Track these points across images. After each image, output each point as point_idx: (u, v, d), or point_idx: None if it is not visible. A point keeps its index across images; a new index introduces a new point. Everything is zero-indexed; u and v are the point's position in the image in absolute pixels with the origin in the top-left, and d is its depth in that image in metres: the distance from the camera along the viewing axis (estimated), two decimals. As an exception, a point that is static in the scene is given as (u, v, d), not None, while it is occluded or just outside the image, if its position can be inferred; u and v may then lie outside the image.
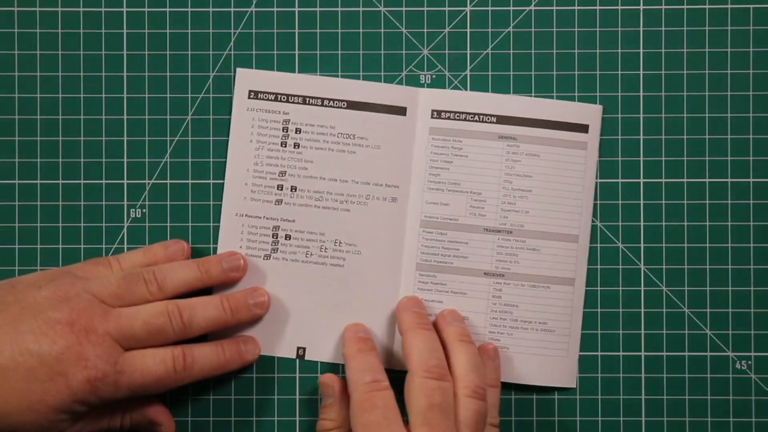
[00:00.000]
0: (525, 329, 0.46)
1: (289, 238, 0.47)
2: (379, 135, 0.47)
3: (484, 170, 0.47)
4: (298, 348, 0.47)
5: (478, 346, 0.46)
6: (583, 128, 0.47)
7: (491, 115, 0.47)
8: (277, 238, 0.47)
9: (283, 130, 0.47)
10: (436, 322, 0.46)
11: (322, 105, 0.47)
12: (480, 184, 0.47)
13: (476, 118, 0.47)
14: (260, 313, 0.46)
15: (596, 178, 0.47)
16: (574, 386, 0.47)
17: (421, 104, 0.47)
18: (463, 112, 0.47)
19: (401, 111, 0.47)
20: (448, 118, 0.47)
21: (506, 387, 0.47)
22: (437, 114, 0.47)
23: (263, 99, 0.47)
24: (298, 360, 0.47)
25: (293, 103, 0.47)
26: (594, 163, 0.47)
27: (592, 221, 0.47)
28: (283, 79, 0.47)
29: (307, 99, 0.47)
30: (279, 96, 0.47)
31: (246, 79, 0.47)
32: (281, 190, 0.47)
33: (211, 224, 0.47)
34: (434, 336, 0.43)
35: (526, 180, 0.47)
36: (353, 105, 0.47)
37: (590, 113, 0.47)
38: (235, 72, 0.47)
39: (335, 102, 0.47)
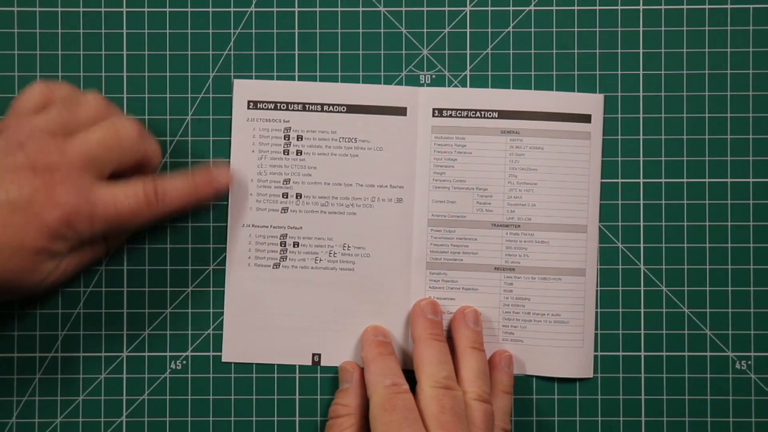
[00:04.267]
0: (538, 322, 0.47)
1: (298, 246, 0.47)
2: (381, 137, 0.47)
3: (489, 166, 0.47)
4: (314, 354, 0.47)
5: (493, 352, 0.46)
6: (586, 118, 0.47)
7: (493, 111, 0.47)
8: (285, 246, 0.47)
9: (284, 138, 0.47)
10: (452, 321, 0.46)
11: (322, 111, 0.47)
12: (485, 179, 0.47)
13: (478, 114, 0.47)
14: (223, 185, 0.45)
15: (602, 168, 0.47)
16: (591, 376, 0.47)
17: (422, 103, 0.47)
18: (464, 109, 0.47)
19: (402, 111, 0.47)
20: (450, 115, 0.47)
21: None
22: (438, 112, 0.47)
23: (263, 108, 0.47)
24: (315, 367, 0.47)
25: (293, 110, 0.47)
26: (598, 153, 0.47)
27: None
28: (282, 87, 0.47)
29: (307, 105, 0.47)
30: (278, 104, 0.47)
31: (244, 89, 0.47)
32: (286, 198, 0.47)
33: (211, 224, 0.47)
34: (445, 348, 0.44)
35: (532, 173, 0.47)
36: (353, 108, 0.47)
37: (592, 103, 0.47)
38: (234, 73, 0.47)
39: (335, 107, 0.47)
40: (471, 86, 0.47)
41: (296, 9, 0.48)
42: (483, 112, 0.47)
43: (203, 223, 0.47)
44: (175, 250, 0.47)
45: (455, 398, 0.41)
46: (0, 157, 0.39)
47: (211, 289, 0.47)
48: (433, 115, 0.47)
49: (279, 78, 0.47)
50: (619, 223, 0.47)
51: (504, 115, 0.47)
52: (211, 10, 0.48)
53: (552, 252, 0.47)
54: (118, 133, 0.41)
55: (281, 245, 0.47)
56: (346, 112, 0.47)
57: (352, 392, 0.45)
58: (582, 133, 0.47)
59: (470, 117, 0.47)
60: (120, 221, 0.41)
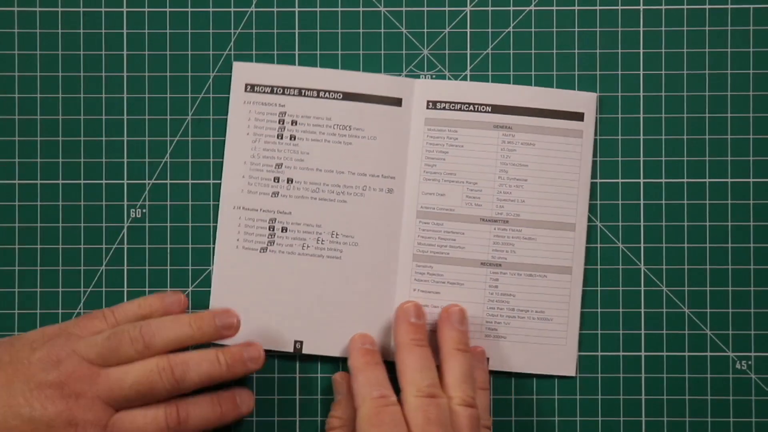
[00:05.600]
0: (522, 318, 0.47)
1: (286, 231, 0.47)
2: (375, 126, 0.47)
3: (480, 160, 0.47)
4: (296, 342, 0.47)
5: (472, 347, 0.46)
6: (579, 116, 0.47)
7: (486, 105, 0.47)
8: (273, 230, 0.47)
9: (279, 123, 0.47)
10: (438, 320, 0.46)
11: (318, 97, 0.47)
12: (476, 173, 0.47)
13: (471, 108, 0.47)
14: (255, 368, 0.44)
15: (592, 168, 0.47)
16: (574, 374, 0.47)
17: (417, 95, 0.47)
18: (458, 102, 0.47)
19: (397, 102, 0.47)
20: (444, 108, 0.47)
21: (506, 386, 0.47)
22: (433, 104, 0.47)
23: (260, 92, 0.47)
24: (296, 354, 0.47)
25: (289, 95, 0.47)
26: (590, 151, 0.47)
27: (593, 221, 0.47)
28: (279, 71, 0.47)
29: (303, 91, 0.47)
30: (275, 88, 0.47)
31: (243, 72, 0.47)
32: (278, 182, 0.47)
33: (211, 224, 0.47)
34: (427, 353, 0.44)
35: (522, 169, 0.47)
36: (349, 96, 0.47)
37: (585, 101, 0.47)
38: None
39: (331, 93, 0.47)
40: (471, 86, 0.47)
41: (296, 9, 0.48)
42: (477, 106, 0.47)
43: (203, 223, 0.47)
44: (175, 250, 0.47)
45: (439, 407, 0.41)
46: (35, 370, 0.40)
47: (212, 289, 0.47)
48: (427, 107, 0.47)
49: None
50: (619, 223, 0.47)
51: (497, 109, 0.47)
52: (211, 10, 0.48)
53: (539, 249, 0.47)
54: (152, 384, 0.41)
55: (270, 229, 0.47)
56: (342, 99, 0.47)
57: (344, 404, 0.45)
58: (574, 131, 0.47)
59: (464, 110, 0.47)
60: None
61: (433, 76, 0.47)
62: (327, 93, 0.47)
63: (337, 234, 0.47)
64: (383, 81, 0.47)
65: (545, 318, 0.47)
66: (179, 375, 0.41)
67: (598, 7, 0.47)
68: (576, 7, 0.47)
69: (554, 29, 0.47)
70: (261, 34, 0.48)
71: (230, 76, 0.47)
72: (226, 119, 0.47)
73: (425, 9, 0.47)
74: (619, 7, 0.47)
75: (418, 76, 0.47)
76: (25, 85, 0.47)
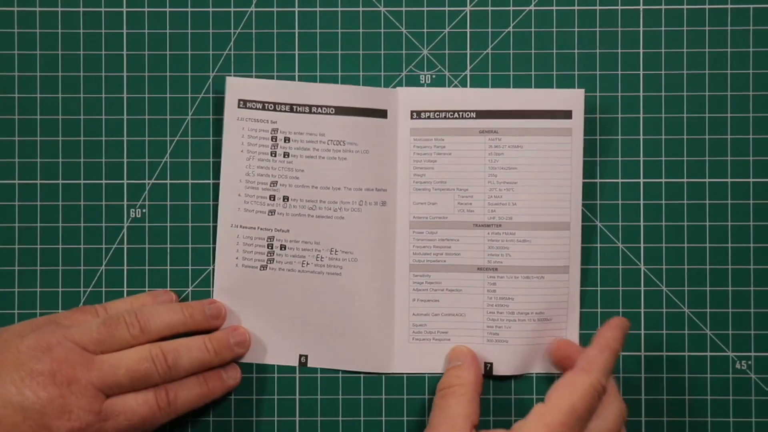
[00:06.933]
0: (522, 321, 0.46)
1: (284, 249, 0.47)
2: (366, 139, 0.47)
3: (469, 166, 0.47)
4: (300, 356, 0.47)
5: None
6: (567, 114, 0.47)
7: (470, 111, 0.47)
8: (272, 248, 0.47)
9: (272, 140, 0.47)
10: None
11: (309, 112, 0.47)
12: (465, 180, 0.47)
13: (456, 115, 0.47)
14: (242, 352, 0.46)
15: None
16: None
17: (401, 105, 0.47)
18: (442, 111, 0.47)
19: (382, 114, 0.47)
20: (428, 117, 0.47)
21: (506, 387, 0.47)
22: (417, 114, 0.47)
23: (252, 108, 0.47)
24: (301, 367, 0.47)
25: (281, 111, 0.47)
26: (580, 148, 0.47)
27: (593, 221, 0.47)
28: (270, 86, 0.47)
29: (295, 107, 0.47)
30: (266, 104, 0.47)
31: (236, 87, 0.47)
32: (273, 200, 0.47)
33: (211, 224, 0.47)
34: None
35: (511, 172, 0.47)
36: (341, 110, 0.46)
37: (572, 98, 0.47)
38: (234, 73, 0.47)
39: (323, 108, 0.46)
40: (471, 86, 0.47)
41: (296, 9, 0.48)
42: (461, 113, 0.47)
43: (203, 223, 0.47)
44: (175, 250, 0.47)
45: None
46: (25, 358, 0.40)
47: (212, 289, 0.47)
48: (412, 117, 0.47)
49: (279, 78, 0.47)
50: (619, 223, 0.47)
51: (482, 114, 0.47)
52: (211, 10, 0.48)
53: (534, 250, 0.47)
54: (146, 370, 0.41)
55: (268, 247, 0.47)
56: (334, 114, 0.47)
57: (465, 368, 0.44)
58: (562, 129, 0.46)
59: (448, 118, 0.47)
60: (131, 429, 0.41)
61: (433, 77, 0.47)
62: (319, 108, 0.46)
63: (336, 251, 0.46)
64: (367, 93, 0.46)
65: (545, 318, 0.46)
66: (172, 361, 0.42)
67: (598, 7, 0.47)
68: (576, 7, 0.47)
69: (554, 29, 0.47)
70: (261, 34, 0.48)
71: (230, 75, 0.47)
72: (225, 120, 0.47)
73: (425, 9, 0.47)
74: (619, 7, 0.47)
75: (418, 77, 0.47)
76: (25, 85, 0.48)
